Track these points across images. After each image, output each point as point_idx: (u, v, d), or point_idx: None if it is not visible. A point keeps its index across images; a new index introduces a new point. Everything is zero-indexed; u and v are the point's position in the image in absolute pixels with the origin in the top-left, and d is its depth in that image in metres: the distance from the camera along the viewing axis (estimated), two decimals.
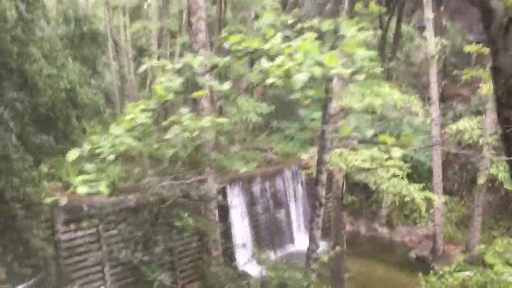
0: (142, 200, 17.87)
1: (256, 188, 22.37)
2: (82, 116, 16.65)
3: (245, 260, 20.78)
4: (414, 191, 13.49)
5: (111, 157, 4.18)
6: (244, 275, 18.94)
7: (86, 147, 4.22)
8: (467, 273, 18.60)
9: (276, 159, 25.36)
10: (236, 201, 21.22)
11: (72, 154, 4.14)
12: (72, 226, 15.91)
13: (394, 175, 12.88)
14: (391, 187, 12.62)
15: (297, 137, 28.76)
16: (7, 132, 9.25)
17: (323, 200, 11.13)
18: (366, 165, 12.95)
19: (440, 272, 19.38)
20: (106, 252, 16.62)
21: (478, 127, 17.70)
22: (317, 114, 31.88)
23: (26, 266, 8.90)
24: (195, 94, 4.96)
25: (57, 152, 14.41)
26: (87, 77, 17.88)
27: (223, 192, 20.80)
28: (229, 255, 20.61)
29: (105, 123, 19.96)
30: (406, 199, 13.66)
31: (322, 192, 11.08)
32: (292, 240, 23.75)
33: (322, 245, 23.59)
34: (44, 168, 15.92)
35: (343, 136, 11.52)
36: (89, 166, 4.12)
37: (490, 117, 17.86)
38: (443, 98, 26.17)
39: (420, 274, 19.40)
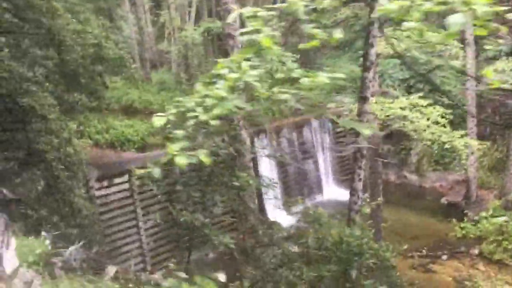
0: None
1: (284, 139, 22.10)
2: (107, 71, 16.35)
3: (274, 210, 20.86)
4: (455, 138, 13.04)
5: (206, 118, 3.68)
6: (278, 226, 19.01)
7: (172, 110, 3.84)
8: (503, 218, 18.41)
9: (302, 109, 24.89)
10: (265, 152, 21.02)
11: (159, 120, 3.76)
12: (105, 183, 15.93)
13: (437, 122, 12.41)
14: (430, 135, 12.16)
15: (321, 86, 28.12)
16: (43, 91, 8.99)
17: (364, 152, 10.79)
18: (405, 112, 12.50)
19: (475, 218, 19.25)
20: (140, 208, 16.71)
21: None
22: (339, 62, 31.11)
23: (72, 226, 8.88)
24: (306, 45, 4.35)
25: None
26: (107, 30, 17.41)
27: (251, 144, 20.63)
28: (260, 207, 20.64)
29: (130, 78, 19.67)
30: (446, 146, 13.22)
31: (364, 142, 10.71)
32: (320, 190, 23.65)
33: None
34: (73, 126, 15.82)
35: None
36: (179, 133, 3.74)
37: None
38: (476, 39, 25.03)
39: (454, 220, 19.32)
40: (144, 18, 33.82)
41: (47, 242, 5.71)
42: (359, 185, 10.94)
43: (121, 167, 16.47)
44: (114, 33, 22.84)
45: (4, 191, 8.37)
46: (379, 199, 12.47)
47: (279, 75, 4.41)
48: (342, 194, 22.65)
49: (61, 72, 10.86)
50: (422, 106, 12.78)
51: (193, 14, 32.94)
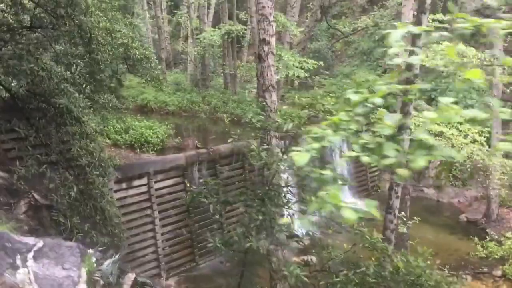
0: (190, 159, 17.48)
1: (301, 146, 21.71)
2: (132, 71, 16.04)
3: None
4: (489, 156, 12.66)
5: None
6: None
7: (313, 145, 3.39)
8: None
9: (321, 117, 24.52)
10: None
11: (301, 157, 3.26)
12: (124, 185, 15.59)
13: (474, 140, 12.03)
14: (467, 153, 11.78)
15: (341, 93, 27.76)
16: (80, 93, 8.64)
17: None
18: (443, 129, 12.13)
19: (496, 237, 18.83)
20: (158, 212, 16.36)
21: None
22: (358, 71, 30.71)
23: (104, 234, 8.51)
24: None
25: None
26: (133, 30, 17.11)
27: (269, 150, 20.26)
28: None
29: (154, 79, 19.38)
30: (480, 165, 12.83)
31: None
32: None
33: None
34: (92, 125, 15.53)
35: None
36: (368, 138, 3.19)
37: None
38: None
39: (476, 239, 18.90)
40: (162, 16, 33.57)
41: (93, 259, 5.33)
42: (397, 203, 10.61)
43: (140, 169, 16.12)
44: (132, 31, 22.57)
45: (35, 195, 8.03)
46: (415, 218, 12.08)
47: None
48: (358, 204, 22.26)
49: (91, 72, 10.51)
50: (459, 123, 12.40)
51: (211, 16, 32.69)
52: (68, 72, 8.50)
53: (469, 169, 20.64)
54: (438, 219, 22.03)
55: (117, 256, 6.56)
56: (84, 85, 8.84)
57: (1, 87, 7.99)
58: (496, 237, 18.72)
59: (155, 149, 17.67)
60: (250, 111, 23.74)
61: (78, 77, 8.64)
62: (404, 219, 10.72)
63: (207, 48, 28.26)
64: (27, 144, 8.45)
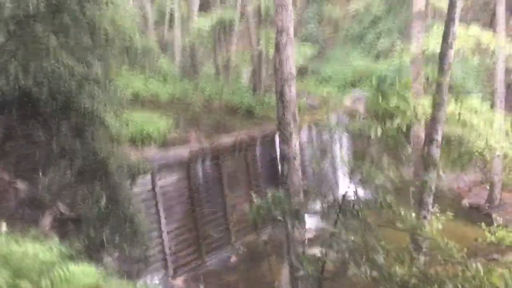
0: (194, 154, 16.86)
1: (303, 136, 21.24)
2: (132, 63, 15.24)
3: None
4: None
5: None
6: None
7: None
8: None
9: (317, 105, 24.07)
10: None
11: None
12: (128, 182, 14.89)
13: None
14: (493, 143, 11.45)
15: (335, 79, 27.30)
16: (104, 91, 7.92)
17: (437, 161, 10.09)
18: (467, 117, 11.81)
19: (501, 222, 18.80)
20: (163, 209, 15.75)
21: None
22: (352, 54, 30.24)
23: (134, 246, 7.89)
24: None
25: None
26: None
27: (271, 141, 19.76)
28: None
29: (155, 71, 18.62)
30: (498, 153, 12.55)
31: (437, 153, 10.01)
32: (337, 186, 22.93)
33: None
34: None
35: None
36: None
37: None
38: None
39: (483, 225, 18.79)
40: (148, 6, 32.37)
41: None
42: (430, 200, 10.30)
43: (144, 165, 15.42)
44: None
45: (61, 207, 7.36)
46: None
47: None
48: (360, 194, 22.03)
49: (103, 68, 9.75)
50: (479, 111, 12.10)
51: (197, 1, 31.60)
52: (91, 71, 7.75)
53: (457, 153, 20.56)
54: (441, 205, 21.83)
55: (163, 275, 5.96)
56: (108, 82, 8.11)
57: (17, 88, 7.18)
58: (502, 222, 18.68)
59: (157, 143, 16.92)
60: (246, 99, 23.10)
61: (100, 75, 7.91)
62: (438, 214, 10.40)
63: (196, 37, 27.34)
64: (49, 151, 7.71)
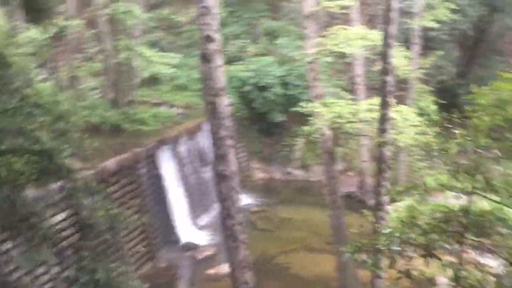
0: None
1: (183, 149, 20.18)
2: None
3: (184, 226, 19.12)
4: None
5: None
6: None
7: None
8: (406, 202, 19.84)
9: (184, 114, 23.07)
10: (169, 165, 18.95)
11: None
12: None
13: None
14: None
15: (191, 88, 26.40)
16: None
17: (389, 162, 10.24)
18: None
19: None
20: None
21: None
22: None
23: None
24: None
25: None
26: None
27: (153, 158, 18.29)
28: (167, 225, 18.55)
29: None
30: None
31: (388, 153, 10.12)
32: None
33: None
34: None
35: None
36: None
37: None
38: None
39: (366, 212, 19.98)
40: None
41: None
42: (387, 199, 10.54)
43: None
44: None
45: None
46: None
47: None
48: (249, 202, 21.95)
49: None
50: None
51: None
52: None
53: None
54: (315, 198, 22.65)
55: None
56: None
57: None
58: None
59: None
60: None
61: None
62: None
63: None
64: None
